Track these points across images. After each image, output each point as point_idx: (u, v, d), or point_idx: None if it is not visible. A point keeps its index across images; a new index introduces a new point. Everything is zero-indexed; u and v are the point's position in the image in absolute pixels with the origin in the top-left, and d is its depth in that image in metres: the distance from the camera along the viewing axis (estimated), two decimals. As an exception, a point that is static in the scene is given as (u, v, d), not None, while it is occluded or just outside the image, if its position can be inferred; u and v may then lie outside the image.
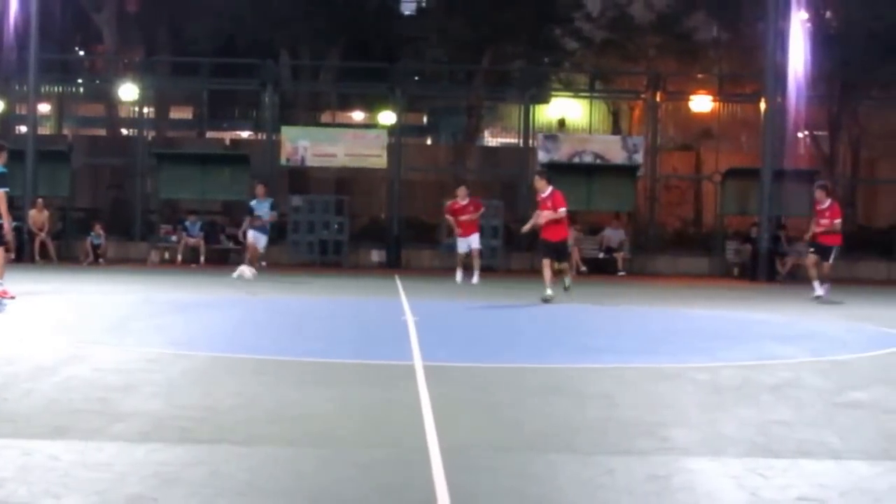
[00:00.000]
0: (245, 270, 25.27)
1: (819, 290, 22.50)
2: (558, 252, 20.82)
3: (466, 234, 25.31)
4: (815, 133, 41.11)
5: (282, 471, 6.56)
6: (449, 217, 25.79)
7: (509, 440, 7.64)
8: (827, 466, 7.05)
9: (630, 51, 43.31)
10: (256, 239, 26.20)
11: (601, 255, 34.17)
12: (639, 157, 36.52)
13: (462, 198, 25.30)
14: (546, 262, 20.29)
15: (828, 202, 22.77)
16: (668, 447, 7.47)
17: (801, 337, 15.32)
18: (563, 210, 20.13)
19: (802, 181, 33.70)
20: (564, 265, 21.20)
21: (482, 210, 25.99)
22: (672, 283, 29.52)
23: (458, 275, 25.33)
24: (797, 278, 31.52)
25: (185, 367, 10.65)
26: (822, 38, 35.46)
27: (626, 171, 35.89)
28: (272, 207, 26.69)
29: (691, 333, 15.74)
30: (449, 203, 25.96)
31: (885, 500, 6.29)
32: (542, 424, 8.20)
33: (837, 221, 22.75)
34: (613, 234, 34.45)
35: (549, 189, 20.25)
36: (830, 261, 22.83)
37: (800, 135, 39.97)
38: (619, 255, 33.80)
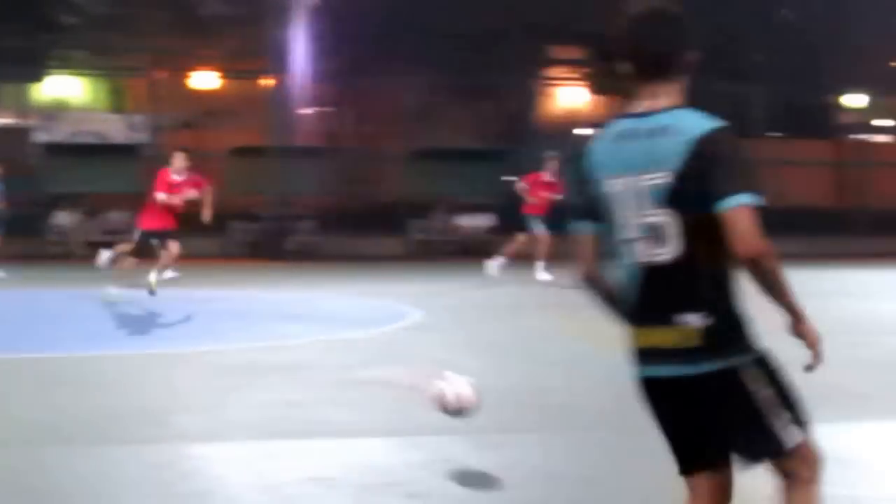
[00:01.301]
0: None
1: (544, 273, 20.56)
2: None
3: None
4: (322, 109, 41.75)
5: None
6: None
7: (4, 435, 7.31)
8: (338, 445, 7.09)
9: (133, 26, 42.28)
10: None
11: (109, 240, 33.16)
12: (142, 136, 35.79)
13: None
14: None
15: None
16: (175, 434, 7.36)
17: (313, 315, 15.15)
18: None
19: (309, 158, 34.23)
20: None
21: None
22: (177, 264, 28.97)
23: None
24: (306, 256, 31.95)
25: None
26: (329, 16, 36.01)
27: (128, 151, 35.09)
28: None
29: (200, 316, 15.13)
30: None
31: (393, 474, 6.37)
32: (42, 417, 7.86)
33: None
34: (119, 217, 33.55)
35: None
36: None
37: (306, 111, 40.48)
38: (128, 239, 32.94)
